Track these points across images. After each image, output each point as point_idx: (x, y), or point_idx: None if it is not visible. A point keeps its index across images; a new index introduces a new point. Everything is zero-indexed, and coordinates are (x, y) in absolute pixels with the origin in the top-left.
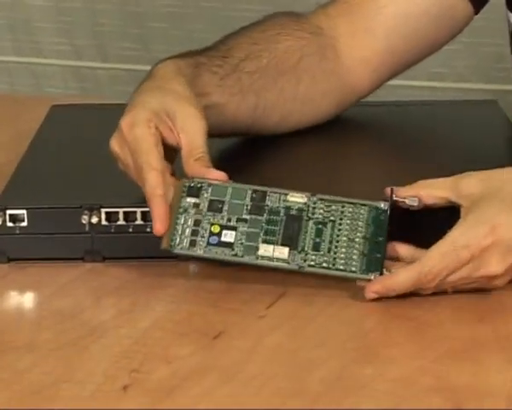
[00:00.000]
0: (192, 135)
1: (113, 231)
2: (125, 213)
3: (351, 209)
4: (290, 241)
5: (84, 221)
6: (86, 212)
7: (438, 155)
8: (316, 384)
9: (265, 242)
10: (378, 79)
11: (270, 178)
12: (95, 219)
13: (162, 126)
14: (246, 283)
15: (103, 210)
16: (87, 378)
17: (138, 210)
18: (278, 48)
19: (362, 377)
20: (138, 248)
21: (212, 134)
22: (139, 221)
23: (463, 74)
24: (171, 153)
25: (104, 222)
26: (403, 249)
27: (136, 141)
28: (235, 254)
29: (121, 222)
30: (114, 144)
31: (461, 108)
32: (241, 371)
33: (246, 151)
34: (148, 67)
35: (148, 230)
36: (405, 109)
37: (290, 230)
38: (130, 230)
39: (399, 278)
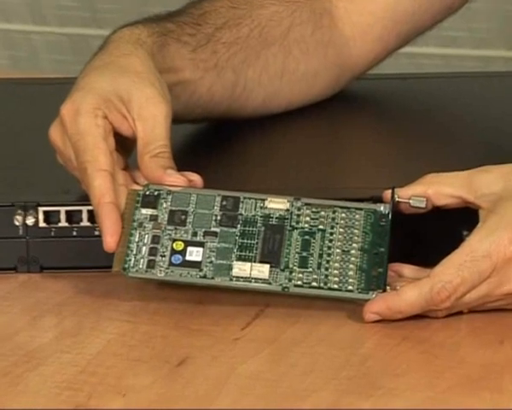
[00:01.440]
0: (150, 124)
1: (53, 234)
2: (67, 212)
3: (344, 215)
4: (271, 257)
5: (17, 223)
6: (20, 211)
7: (453, 138)
8: None
9: (241, 259)
10: (382, 50)
11: (248, 175)
12: (30, 221)
13: (113, 114)
14: (217, 298)
15: (41, 209)
16: None
17: (84, 209)
18: (262, 14)
19: None
20: (84, 256)
21: (181, 119)
22: (85, 223)
23: (484, 39)
24: (126, 143)
25: (42, 224)
26: (408, 271)
27: (80, 134)
28: (204, 276)
29: (63, 224)
30: (55, 135)
31: (480, 82)
32: (210, 404)
33: (219, 139)
34: (94, 31)
35: (97, 233)
36: (414, 83)
37: (270, 243)
38: (74, 233)
39: (407, 296)
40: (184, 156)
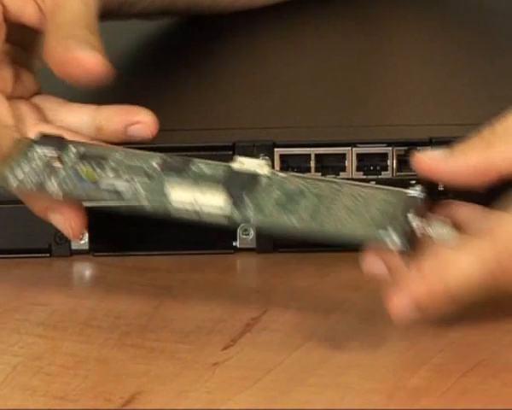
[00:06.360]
0: (69, 10)
1: None
2: None
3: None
4: (232, 191)
5: None
6: None
7: None
8: None
9: (183, 186)
10: None
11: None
12: None
13: None
14: (185, 298)
15: None
16: None
17: None
18: None
19: None
20: None
21: (119, 12)
22: None
23: None
24: (24, 35)
25: None
26: (465, 211)
27: None
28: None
29: None
30: None
31: None
32: None
33: (183, 48)
34: None
35: None
36: None
37: (237, 183)
38: None
39: (458, 265)
40: (126, 78)
